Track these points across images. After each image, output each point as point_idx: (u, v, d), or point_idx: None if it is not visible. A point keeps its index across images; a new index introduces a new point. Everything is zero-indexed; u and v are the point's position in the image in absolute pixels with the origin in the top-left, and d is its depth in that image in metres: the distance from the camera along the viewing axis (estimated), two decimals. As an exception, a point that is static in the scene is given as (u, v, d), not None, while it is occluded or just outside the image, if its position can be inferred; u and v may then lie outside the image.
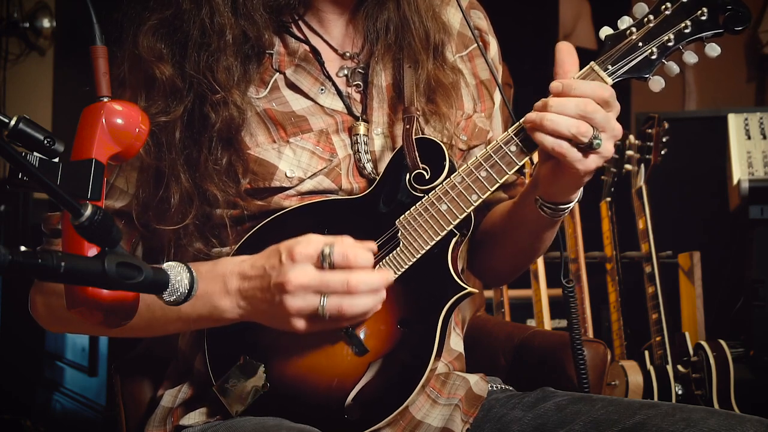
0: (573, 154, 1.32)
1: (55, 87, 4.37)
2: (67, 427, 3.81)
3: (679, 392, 3.08)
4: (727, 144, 3.27)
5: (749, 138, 3.26)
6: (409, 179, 1.41)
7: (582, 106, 1.31)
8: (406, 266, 1.38)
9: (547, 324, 3.23)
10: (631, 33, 1.38)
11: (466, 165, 1.39)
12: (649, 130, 3.27)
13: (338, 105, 1.47)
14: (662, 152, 3.27)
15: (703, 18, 1.36)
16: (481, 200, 1.38)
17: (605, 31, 1.39)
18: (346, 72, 1.50)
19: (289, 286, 1.22)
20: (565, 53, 1.37)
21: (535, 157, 1.42)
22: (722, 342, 3.08)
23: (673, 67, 1.39)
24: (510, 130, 1.37)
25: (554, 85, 1.34)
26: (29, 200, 4.07)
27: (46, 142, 0.93)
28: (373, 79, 1.49)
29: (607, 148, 1.33)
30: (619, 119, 1.35)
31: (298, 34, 1.48)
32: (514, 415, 1.48)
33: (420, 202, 1.39)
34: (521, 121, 1.36)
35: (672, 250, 3.39)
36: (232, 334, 1.37)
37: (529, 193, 1.49)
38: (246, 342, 1.39)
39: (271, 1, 1.42)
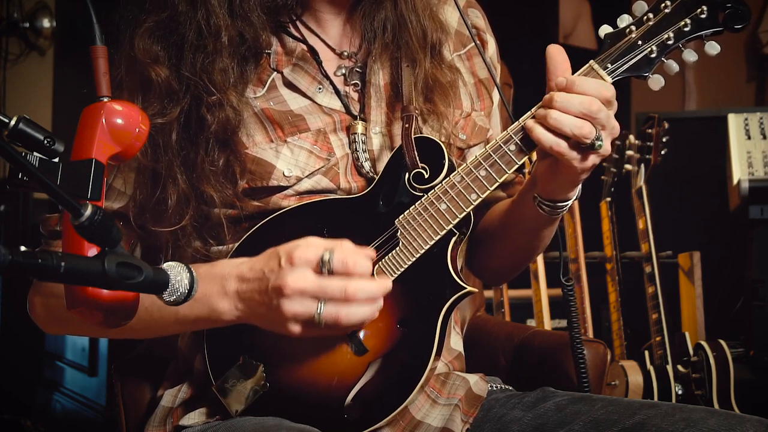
0: (571, 153, 1.32)
1: (55, 87, 4.37)
2: (67, 427, 3.81)
3: (679, 392, 3.07)
4: (727, 144, 3.27)
5: (749, 138, 3.26)
6: (408, 178, 1.40)
7: (587, 105, 1.30)
8: (406, 266, 1.38)
9: (547, 324, 3.23)
10: (631, 31, 1.38)
11: (465, 164, 1.38)
12: (649, 130, 3.27)
13: (336, 104, 1.47)
14: (662, 152, 3.27)
15: (703, 16, 1.36)
16: (480, 199, 1.38)
17: (605, 30, 1.39)
18: (343, 71, 1.50)
19: (286, 290, 1.22)
20: (557, 57, 1.36)
21: (535, 156, 1.42)
22: (722, 342, 3.08)
23: (673, 66, 1.39)
24: (509, 129, 1.37)
25: (559, 80, 1.33)
26: (29, 200, 4.06)
27: (46, 142, 0.93)
28: (371, 78, 1.49)
29: (606, 147, 1.34)
30: (618, 119, 1.35)
31: (296, 34, 1.48)
32: (513, 415, 1.48)
33: (419, 201, 1.39)
34: (524, 117, 1.36)
35: (672, 250, 3.39)
36: (232, 335, 1.37)
37: (528, 191, 1.49)
38: (245, 342, 1.38)
39: (268, 2, 1.42)
